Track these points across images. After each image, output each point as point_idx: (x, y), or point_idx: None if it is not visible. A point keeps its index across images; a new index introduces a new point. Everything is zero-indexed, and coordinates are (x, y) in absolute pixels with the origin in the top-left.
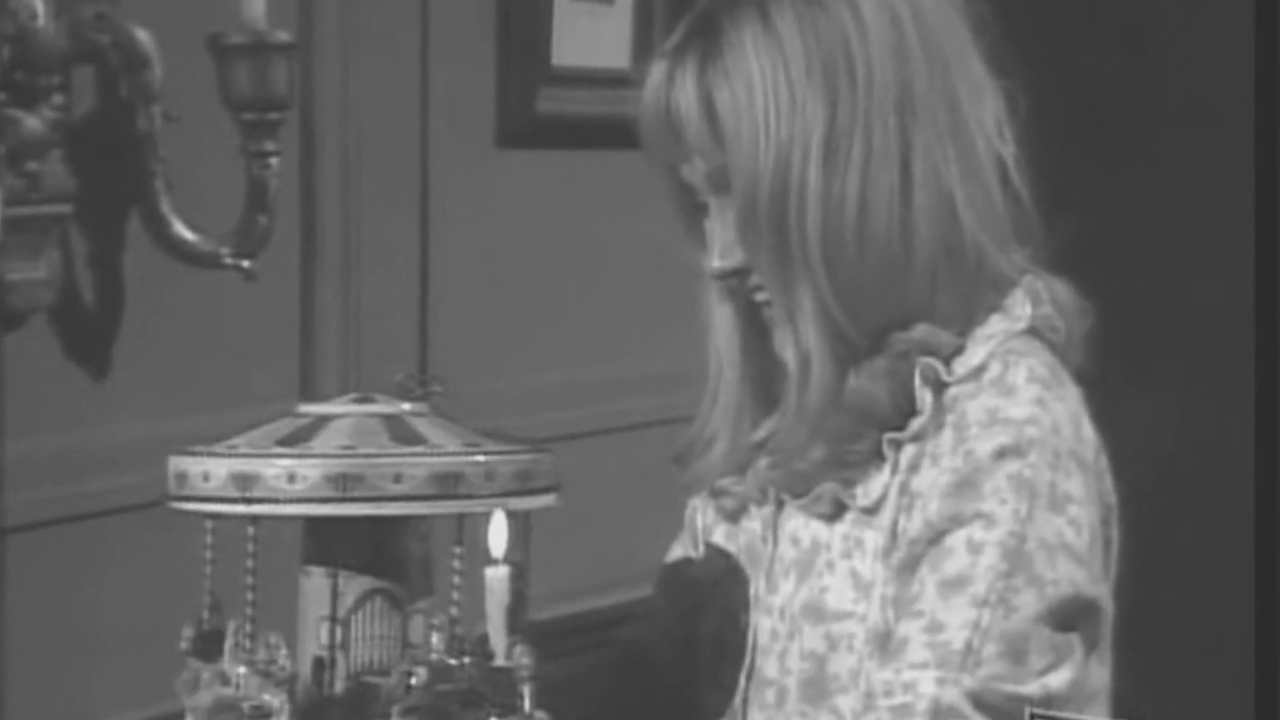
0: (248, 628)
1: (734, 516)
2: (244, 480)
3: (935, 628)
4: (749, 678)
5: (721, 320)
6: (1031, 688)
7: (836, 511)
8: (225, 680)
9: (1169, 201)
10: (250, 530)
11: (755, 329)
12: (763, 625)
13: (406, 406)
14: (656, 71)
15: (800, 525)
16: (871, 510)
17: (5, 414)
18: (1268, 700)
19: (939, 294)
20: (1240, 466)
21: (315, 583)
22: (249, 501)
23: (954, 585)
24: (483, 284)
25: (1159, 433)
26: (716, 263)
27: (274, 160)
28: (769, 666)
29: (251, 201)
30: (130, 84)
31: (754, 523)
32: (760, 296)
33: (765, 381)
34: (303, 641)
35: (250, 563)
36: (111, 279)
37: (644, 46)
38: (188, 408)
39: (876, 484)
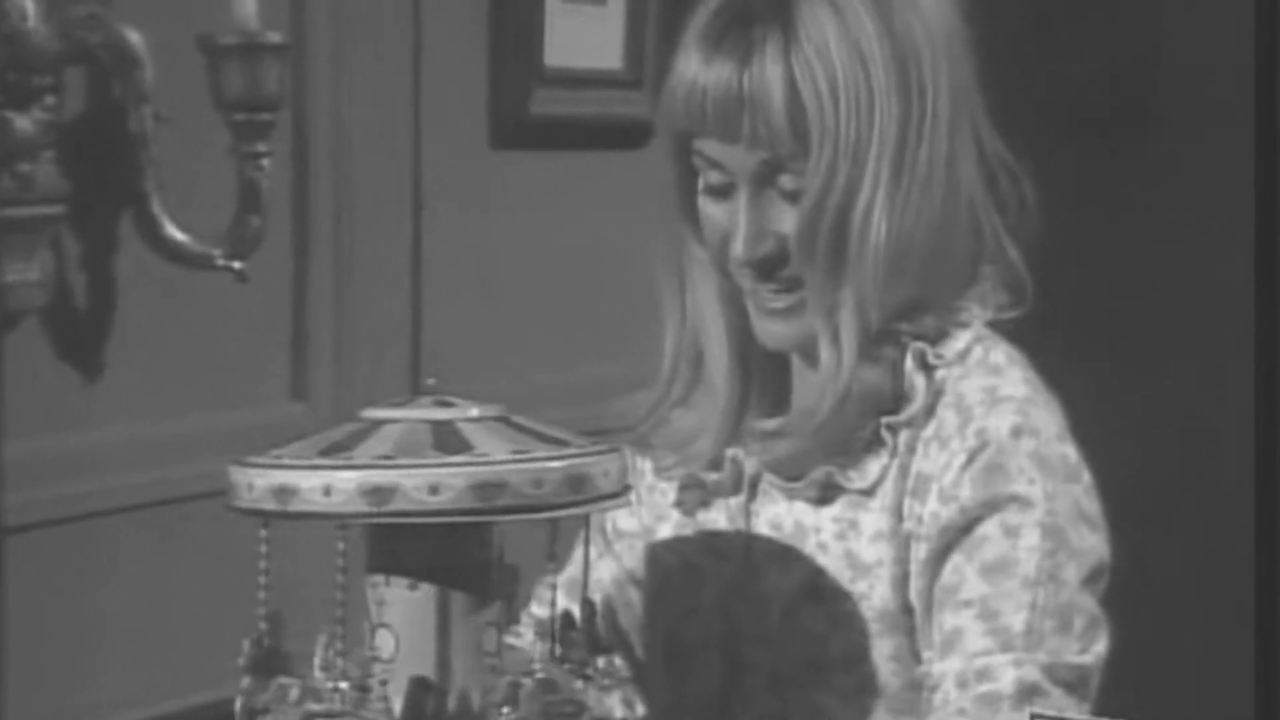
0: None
1: (690, 511)
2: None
3: (989, 614)
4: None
5: (708, 301)
6: (1088, 657)
7: (824, 495)
8: (317, 696)
9: (1168, 202)
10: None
11: (740, 311)
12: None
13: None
14: (719, 46)
15: (782, 511)
16: (868, 492)
17: (1, 414)
18: (1268, 700)
19: (946, 288)
20: (1240, 462)
21: (394, 593)
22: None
23: (999, 570)
24: (476, 285)
25: (1159, 428)
26: (744, 251)
27: (266, 161)
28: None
29: (243, 202)
30: (121, 85)
31: (714, 514)
32: (770, 290)
33: (746, 362)
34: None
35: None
36: (104, 280)
37: (637, 47)
38: (179, 409)
39: (873, 467)
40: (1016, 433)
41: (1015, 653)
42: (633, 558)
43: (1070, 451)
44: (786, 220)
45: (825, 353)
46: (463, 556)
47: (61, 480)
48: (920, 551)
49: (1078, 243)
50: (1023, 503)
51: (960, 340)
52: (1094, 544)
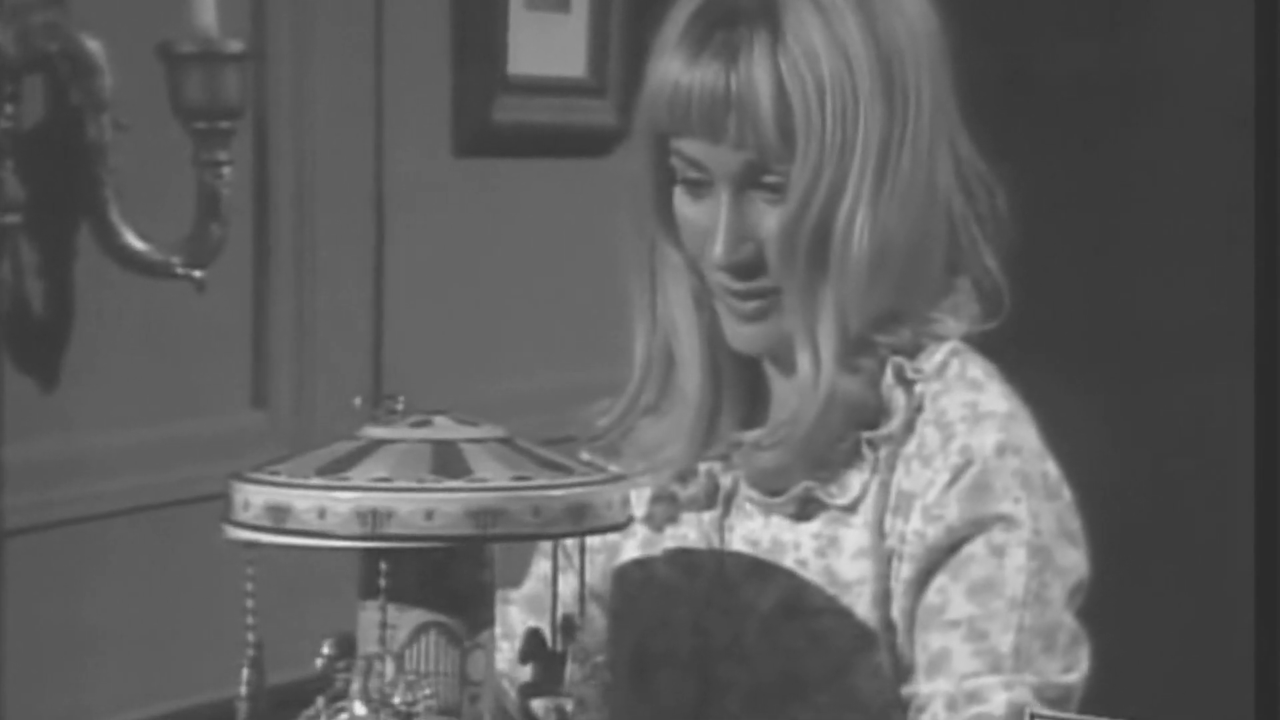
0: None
1: (659, 526)
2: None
3: (977, 635)
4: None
5: (680, 304)
6: (1073, 675)
7: (804, 511)
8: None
9: (1161, 205)
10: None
11: (713, 314)
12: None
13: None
14: (704, 46)
15: (758, 526)
16: (849, 508)
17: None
18: (1268, 700)
19: (922, 298)
20: (1239, 469)
21: (369, 616)
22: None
23: (985, 590)
24: (438, 293)
25: (1154, 436)
26: (722, 253)
27: (226, 169)
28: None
29: (203, 211)
30: (80, 93)
31: (685, 530)
32: (743, 292)
33: (718, 367)
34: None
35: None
36: (62, 289)
37: (600, 55)
38: (139, 418)
39: (854, 482)
40: (1001, 450)
41: (1004, 674)
42: (592, 573)
43: (1051, 468)
44: (767, 223)
45: (803, 359)
46: (457, 581)
47: (23, 488)
48: (904, 570)
49: (1062, 251)
50: (1009, 522)
51: (937, 354)
52: (1075, 561)
